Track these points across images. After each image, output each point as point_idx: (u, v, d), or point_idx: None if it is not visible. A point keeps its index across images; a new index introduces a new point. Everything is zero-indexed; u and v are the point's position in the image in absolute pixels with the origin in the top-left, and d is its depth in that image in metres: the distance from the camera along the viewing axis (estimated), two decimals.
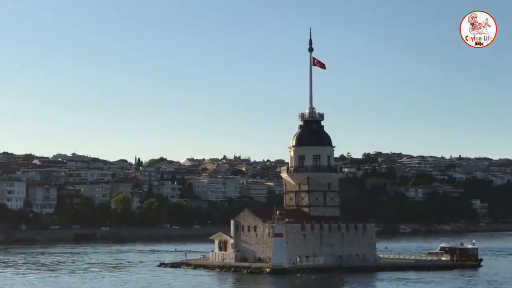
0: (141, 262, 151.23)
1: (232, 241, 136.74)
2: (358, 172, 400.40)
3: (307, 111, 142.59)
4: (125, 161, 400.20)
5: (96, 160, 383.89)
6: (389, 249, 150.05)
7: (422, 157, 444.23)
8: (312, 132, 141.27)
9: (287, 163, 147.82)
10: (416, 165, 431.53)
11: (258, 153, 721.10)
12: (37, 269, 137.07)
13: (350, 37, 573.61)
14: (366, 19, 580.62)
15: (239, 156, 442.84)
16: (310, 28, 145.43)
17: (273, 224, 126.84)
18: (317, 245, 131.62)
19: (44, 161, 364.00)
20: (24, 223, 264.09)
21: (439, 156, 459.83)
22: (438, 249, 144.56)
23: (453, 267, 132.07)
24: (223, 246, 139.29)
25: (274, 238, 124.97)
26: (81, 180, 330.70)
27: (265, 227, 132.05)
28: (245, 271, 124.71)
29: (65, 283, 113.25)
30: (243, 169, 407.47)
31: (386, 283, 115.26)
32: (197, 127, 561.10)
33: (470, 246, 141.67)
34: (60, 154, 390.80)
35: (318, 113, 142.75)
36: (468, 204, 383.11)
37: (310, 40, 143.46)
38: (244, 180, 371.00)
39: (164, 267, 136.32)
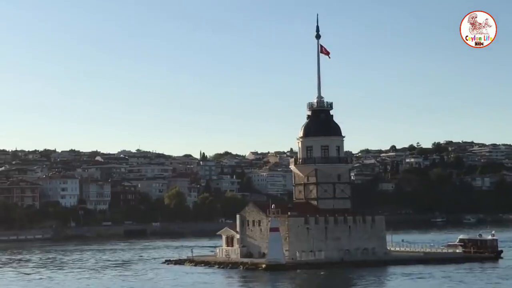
0: (155, 258, 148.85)
1: (238, 236, 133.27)
2: (424, 162, 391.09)
3: (315, 101, 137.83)
4: (190, 156, 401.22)
5: (159, 155, 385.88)
6: (405, 242, 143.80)
7: (494, 145, 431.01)
8: (320, 122, 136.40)
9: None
10: (487, 154, 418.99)
11: None
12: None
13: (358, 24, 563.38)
14: (372, 8, 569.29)
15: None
16: (317, 15, 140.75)
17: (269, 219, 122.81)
18: (322, 239, 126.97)
19: (107, 157, 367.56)
20: (74, 220, 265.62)
21: None
22: (457, 241, 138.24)
23: (466, 260, 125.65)
24: (230, 242, 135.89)
25: (269, 232, 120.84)
26: (141, 176, 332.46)
27: (269, 221, 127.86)
28: (242, 267, 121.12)
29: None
30: None
31: (387, 278, 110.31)
32: (262, 120, 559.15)
33: (489, 237, 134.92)
34: (124, 151, 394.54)
35: (327, 102, 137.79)
36: None
37: (317, 27, 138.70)
38: None
39: (168, 264, 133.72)
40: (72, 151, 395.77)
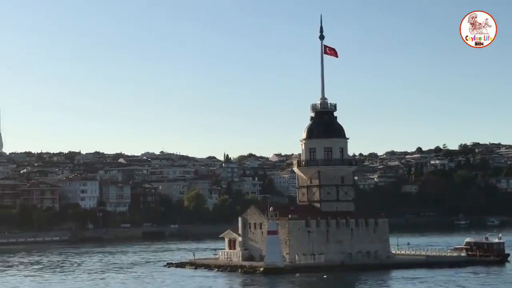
0: (158, 261, 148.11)
1: (240, 239, 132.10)
2: (449, 164, 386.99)
3: (318, 102, 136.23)
4: (213, 158, 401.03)
5: (183, 157, 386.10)
6: (411, 245, 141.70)
7: None
8: (323, 124, 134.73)
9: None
10: None
11: (351, 148, 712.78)
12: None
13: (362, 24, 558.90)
14: (373, 9, 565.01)
15: None
16: (321, 15, 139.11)
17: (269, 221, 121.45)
18: (324, 242, 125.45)
19: (130, 159, 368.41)
20: (92, 222, 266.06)
21: None
22: (464, 244, 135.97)
23: (469, 264, 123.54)
24: (232, 245, 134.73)
25: (267, 236, 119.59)
26: (162, 178, 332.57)
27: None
28: (240, 270, 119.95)
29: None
30: None
31: (386, 281, 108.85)
32: (287, 122, 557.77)
33: (496, 240, 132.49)
34: (148, 153, 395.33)
35: (330, 103, 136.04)
36: None
37: (321, 28, 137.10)
38: None
39: (169, 267, 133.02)
40: (96, 153, 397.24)
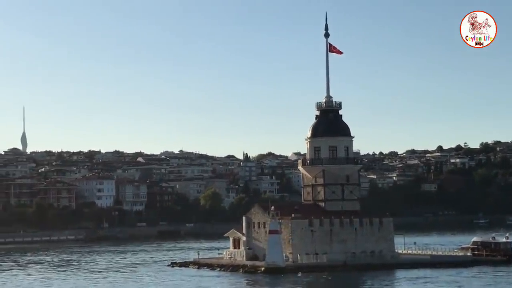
0: (162, 260, 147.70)
1: (244, 238, 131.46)
2: (470, 163, 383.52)
3: (323, 100, 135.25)
4: (232, 157, 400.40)
5: (202, 156, 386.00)
6: (418, 245, 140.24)
7: None
8: (328, 122, 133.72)
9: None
10: None
11: (371, 146, 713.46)
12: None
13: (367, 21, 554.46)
14: (377, 7, 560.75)
15: None
16: (326, 13, 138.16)
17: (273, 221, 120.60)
18: (327, 241, 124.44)
19: (148, 158, 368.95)
20: (107, 221, 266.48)
21: None
22: (471, 243, 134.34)
23: (475, 264, 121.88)
24: (237, 244, 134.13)
25: (268, 235, 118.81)
26: (180, 176, 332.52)
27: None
28: (241, 270, 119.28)
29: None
30: None
31: (387, 282, 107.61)
32: (307, 121, 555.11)
33: (503, 240, 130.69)
34: (167, 152, 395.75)
35: (335, 101, 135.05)
36: None
37: (326, 25, 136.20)
38: None
39: (173, 266, 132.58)
40: (116, 152, 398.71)
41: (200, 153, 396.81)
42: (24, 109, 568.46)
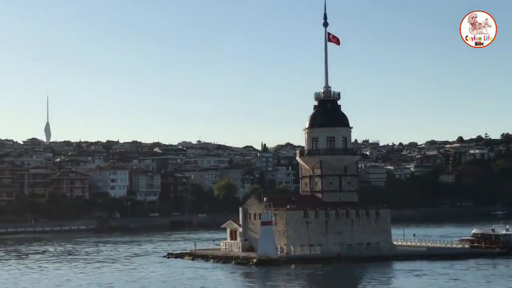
0: (159, 252, 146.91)
1: (240, 229, 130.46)
2: (490, 154, 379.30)
3: (322, 90, 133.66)
4: (250, 147, 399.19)
5: (219, 147, 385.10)
6: (417, 237, 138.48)
7: None
8: (326, 112, 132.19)
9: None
10: None
11: (392, 137, 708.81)
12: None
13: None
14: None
15: (367, 140, 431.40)
16: (325, 2, 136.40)
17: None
18: (323, 233, 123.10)
19: (165, 149, 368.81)
20: (120, 211, 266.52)
21: None
22: (471, 235, 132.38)
23: (472, 256, 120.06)
24: (233, 235, 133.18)
25: (260, 226, 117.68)
26: (196, 167, 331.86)
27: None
28: (234, 262, 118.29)
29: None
30: (367, 152, 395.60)
31: (379, 273, 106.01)
32: None
33: (503, 232, 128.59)
34: (185, 142, 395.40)
35: (334, 92, 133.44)
36: None
37: (325, 15, 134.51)
38: (363, 164, 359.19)
39: (169, 257, 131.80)
40: (134, 142, 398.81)
41: (218, 143, 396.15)
42: (48, 99, 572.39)
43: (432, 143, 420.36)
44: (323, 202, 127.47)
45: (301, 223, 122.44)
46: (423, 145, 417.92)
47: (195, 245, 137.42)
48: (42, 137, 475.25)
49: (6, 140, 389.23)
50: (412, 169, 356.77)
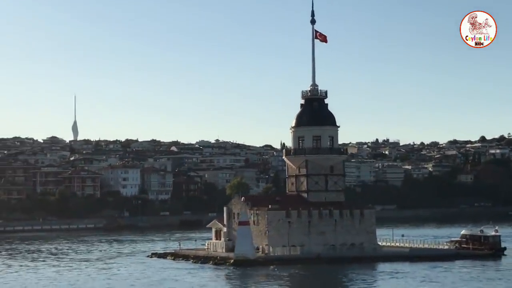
0: (145, 251, 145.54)
1: (225, 229, 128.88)
2: (510, 153, 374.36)
3: (308, 89, 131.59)
4: (269, 146, 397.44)
5: (238, 146, 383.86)
6: (405, 237, 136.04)
7: None
8: (312, 111, 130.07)
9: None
10: None
11: (414, 136, 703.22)
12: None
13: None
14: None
15: (387, 139, 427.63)
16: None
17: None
18: (306, 233, 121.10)
19: (182, 148, 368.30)
20: (129, 209, 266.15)
21: None
22: (460, 236, 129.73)
23: (458, 257, 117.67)
24: (218, 235, 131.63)
25: (237, 226, 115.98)
26: (211, 166, 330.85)
27: (251, 214, 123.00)
28: (211, 262, 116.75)
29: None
30: (386, 152, 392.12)
31: (355, 275, 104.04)
32: (347, 111, 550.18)
33: (491, 233, 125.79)
34: (203, 141, 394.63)
35: (321, 90, 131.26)
36: None
37: (313, 12, 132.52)
38: (380, 164, 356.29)
39: (152, 257, 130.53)
40: (152, 141, 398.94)
41: (237, 142, 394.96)
42: (76, 98, 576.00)
43: (453, 142, 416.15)
44: (309, 202, 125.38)
45: (283, 223, 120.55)
46: (444, 145, 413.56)
47: (179, 244, 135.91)
48: (69, 136, 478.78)
49: (26, 138, 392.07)
50: (430, 168, 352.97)
